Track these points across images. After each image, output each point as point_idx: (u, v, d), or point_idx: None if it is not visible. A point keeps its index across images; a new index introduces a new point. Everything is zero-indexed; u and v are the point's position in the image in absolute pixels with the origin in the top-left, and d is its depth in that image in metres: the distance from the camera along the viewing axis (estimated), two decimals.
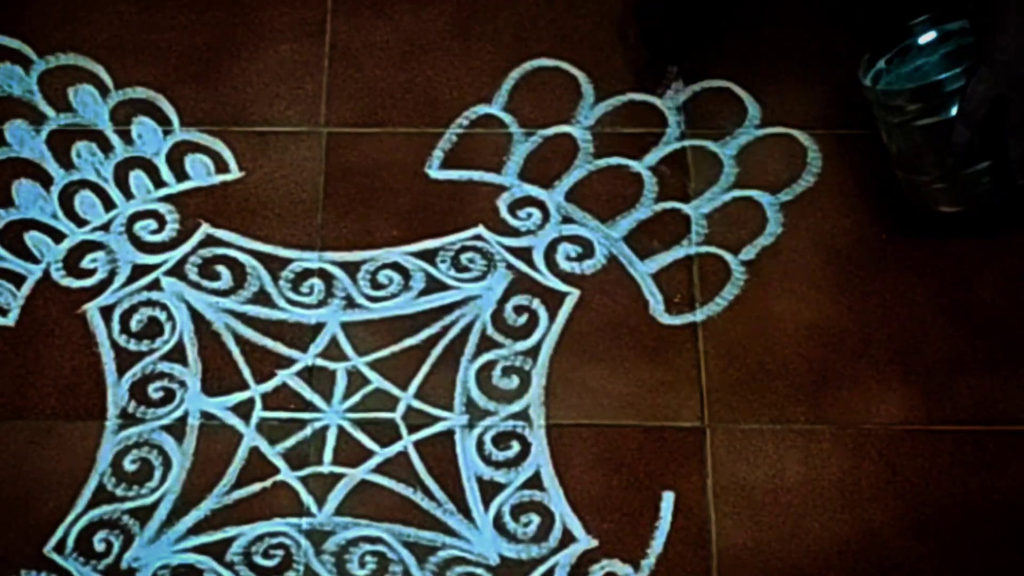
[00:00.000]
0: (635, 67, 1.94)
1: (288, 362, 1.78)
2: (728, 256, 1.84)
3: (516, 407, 1.76)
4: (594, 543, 1.68)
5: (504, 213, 1.87)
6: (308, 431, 1.74)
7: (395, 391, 1.76)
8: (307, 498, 1.71)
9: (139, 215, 1.87)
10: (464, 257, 1.84)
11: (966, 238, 1.83)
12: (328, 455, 1.73)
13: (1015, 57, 1.66)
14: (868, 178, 1.89)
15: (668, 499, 1.70)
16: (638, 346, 1.79)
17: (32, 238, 1.85)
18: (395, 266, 1.83)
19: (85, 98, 1.94)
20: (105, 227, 1.86)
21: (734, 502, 1.70)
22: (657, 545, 1.68)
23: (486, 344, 1.79)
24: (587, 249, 1.85)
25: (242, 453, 1.73)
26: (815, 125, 1.92)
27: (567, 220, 1.86)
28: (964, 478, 1.72)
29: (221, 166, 1.90)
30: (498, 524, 1.70)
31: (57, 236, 1.85)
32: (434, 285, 1.82)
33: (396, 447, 1.73)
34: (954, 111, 1.70)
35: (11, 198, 1.87)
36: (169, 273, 1.83)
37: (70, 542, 1.68)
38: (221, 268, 1.83)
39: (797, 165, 1.90)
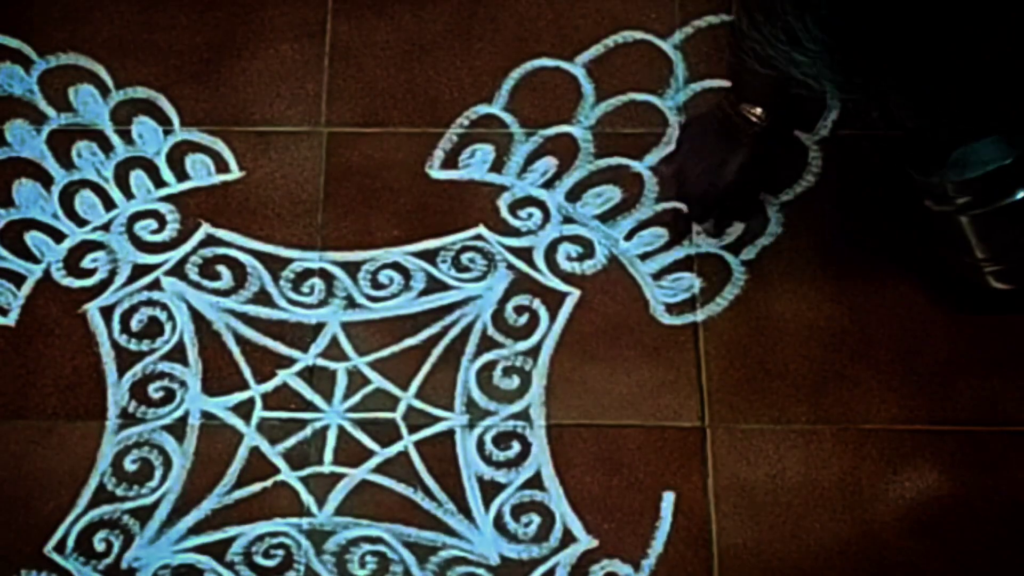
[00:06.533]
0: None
1: (289, 362, 1.78)
2: (729, 256, 1.84)
3: (516, 407, 1.76)
4: (594, 543, 1.68)
5: (505, 213, 1.87)
6: (308, 431, 1.74)
7: (396, 391, 1.76)
8: (307, 498, 1.71)
9: (140, 215, 1.87)
10: (465, 257, 1.84)
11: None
12: (328, 455, 1.73)
13: None
14: (868, 178, 1.89)
15: (668, 499, 1.70)
16: (638, 346, 1.79)
17: (32, 238, 1.85)
18: (396, 266, 1.83)
19: (86, 98, 1.93)
20: (105, 227, 1.86)
21: (735, 502, 1.70)
22: (658, 545, 1.68)
23: (487, 344, 1.79)
24: (588, 249, 1.84)
25: (242, 453, 1.73)
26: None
27: (568, 220, 1.86)
28: (964, 478, 1.72)
29: (222, 166, 1.90)
30: (499, 524, 1.70)
31: (57, 236, 1.85)
32: (435, 285, 1.82)
33: (396, 447, 1.73)
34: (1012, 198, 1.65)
35: (11, 198, 1.87)
36: (170, 273, 1.83)
37: (70, 542, 1.68)
38: (222, 268, 1.83)
39: (797, 165, 1.90)
